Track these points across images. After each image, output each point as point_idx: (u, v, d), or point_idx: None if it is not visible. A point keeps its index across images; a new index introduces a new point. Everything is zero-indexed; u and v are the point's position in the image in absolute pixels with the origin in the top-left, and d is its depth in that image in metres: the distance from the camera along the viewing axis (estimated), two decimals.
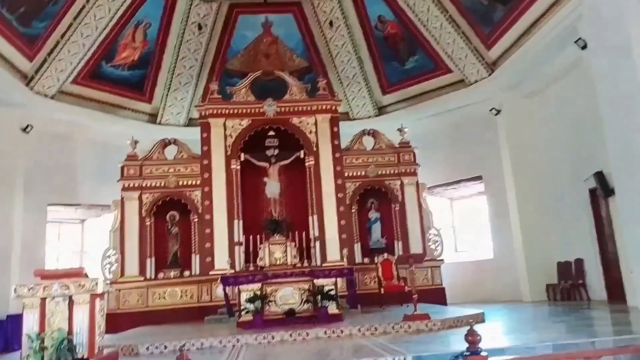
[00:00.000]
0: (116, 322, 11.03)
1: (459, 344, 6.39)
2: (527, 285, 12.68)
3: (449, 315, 8.55)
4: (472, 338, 3.92)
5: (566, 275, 12.01)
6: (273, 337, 7.56)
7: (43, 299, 5.32)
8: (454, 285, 13.20)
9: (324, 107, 13.20)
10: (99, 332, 5.63)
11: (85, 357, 5.33)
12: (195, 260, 12.35)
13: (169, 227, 12.72)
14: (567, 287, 11.83)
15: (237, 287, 9.20)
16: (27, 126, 11.87)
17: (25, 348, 5.19)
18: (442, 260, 12.91)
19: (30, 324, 5.23)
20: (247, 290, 8.93)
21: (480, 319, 8.52)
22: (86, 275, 5.48)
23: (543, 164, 12.78)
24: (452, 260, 13.90)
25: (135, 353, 7.23)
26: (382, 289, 11.28)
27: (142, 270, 12.05)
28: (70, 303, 5.35)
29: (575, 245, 11.77)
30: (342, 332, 7.68)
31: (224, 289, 9.50)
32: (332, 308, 8.86)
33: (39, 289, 5.27)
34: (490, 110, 13.49)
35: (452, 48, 13.53)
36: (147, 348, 7.24)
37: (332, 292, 8.93)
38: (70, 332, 5.31)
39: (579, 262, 11.70)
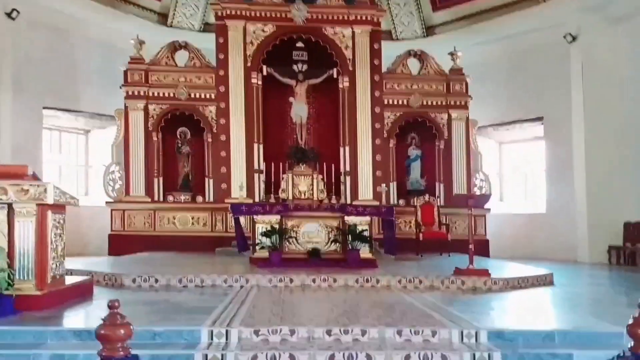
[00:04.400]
0: (121, 243, 10.27)
1: (538, 314, 4.71)
2: (585, 245, 11.11)
3: (509, 273, 6.92)
4: None
5: (634, 237, 10.51)
6: (292, 281, 6.03)
7: None
8: (497, 237, 11.70)
9: (363, 17, 11.24)
10: (55, 255, 4.07)
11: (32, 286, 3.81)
12: (209, 185, 11.07)
13: (179, 146, 11.25)
14: (634, 250, 10.44)
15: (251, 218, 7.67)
16: (12, 11, 9.98)
17: None
18: (489, 209, 11.20)
19: None
20: (264, 222, 7.41)
21: (549, 280, 6.88)
22: (34, 177, 3.87)
23: (624, 106, 10.76)
24: (496, 211, 12.21)
25: (119, 284, 5.77)
26: (420, 235, 9.66)
27: (149, 191, 10.86)
28: (11, 213, 3.77)
29: None
30: (377, 282, 6.11)
31: (236, 219, 7.97)
32: (365, 252, 7.39)
33: None
34: (564, 36, 11.31)
35: None
36: (134, 280, 5.77)
37: (366, 233, 7.35)
38: (11, 252, 3.77)
39: None
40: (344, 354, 3.46)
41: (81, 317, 4.21)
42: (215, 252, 9.69)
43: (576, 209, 11.25)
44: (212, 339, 3.62)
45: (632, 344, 2.36)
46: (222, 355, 3.38)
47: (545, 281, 6.77)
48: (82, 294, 4.83)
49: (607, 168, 10.82)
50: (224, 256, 8.97)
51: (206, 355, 3.37)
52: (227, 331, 3.66)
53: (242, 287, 5.78)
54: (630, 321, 2.37)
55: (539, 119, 12.44)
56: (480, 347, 3.67)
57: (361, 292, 5.68)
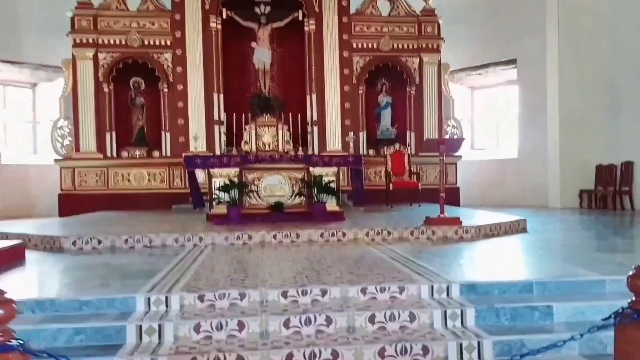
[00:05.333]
0: (71, 204, 9.69)
1: (513, 264, 4.40)
2: (557, 189, 10.99)
3: (480, 221, 6.61)
4: None
5: (607, 180, 10.48)
6: (250, 238, 5.58)
7: None
8: (468, 185, 11.57)
9: None
10: None
11: None
12: (166, 139, 10.48)
13: (132, 97, 10.51)
14: (606, 193, 10.32)
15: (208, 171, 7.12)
16: None
17: None
18: (460, 156, 10.91)
19: None
20: (221, 175, 6.87)
21: (522, 227, 6.60)
22: None
23: (602, 49, 10.44)
24: (467, 158, 11.93)
25: (57, 247, 5.24)
26: (390, 185, 9.30)
27: (101, 147, 10.25)
28: None
29: (625, 148, 10.03)
30: (344, 235, 5.72)
31: (191, 173, 7.43)
32: (332, 204, 6.96)
33: None
34: None
35: None
36: (74, 242, 5.24)
37: (333, 185, 6.90)
38: None
39: (628, 165, 10.04)
40: (300, 318, 3.05)
41: (4, 288, 3.70)
42: (172, 209, 9.20)
43: (548, 153, 11.08)
44: (149, 307, 3.17)
45: (633, 299, 1.98)
46: (159, 325, 2.93)
47: (518, 228, 6.49)
48: (11, 260, 4.32)
49: (581, 111, 10.59)
50: (181, 214, 8.46)
51: (140, 327, 2.91)
52: (166, 297, 3.20)
53: (195, 246, 5.32)
54: (631, 272, 1.99)
55: (513, 61, 12.04)
56: (452, 302, 3.30)
57: (326, 247, 5.28)
